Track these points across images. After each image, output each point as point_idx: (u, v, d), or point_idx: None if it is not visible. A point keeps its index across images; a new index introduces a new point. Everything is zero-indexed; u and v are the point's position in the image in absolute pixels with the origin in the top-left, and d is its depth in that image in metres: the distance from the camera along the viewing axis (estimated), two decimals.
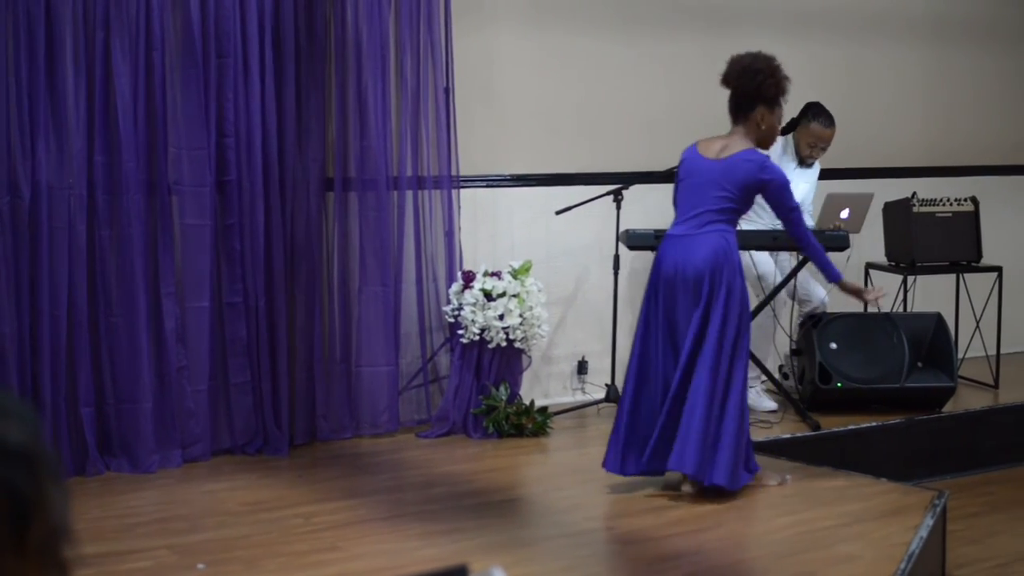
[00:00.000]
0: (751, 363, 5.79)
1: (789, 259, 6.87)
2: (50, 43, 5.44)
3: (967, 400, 7.11)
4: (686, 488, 5.21)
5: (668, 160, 6.11)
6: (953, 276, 7.55)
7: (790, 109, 6.83)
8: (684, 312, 5.11)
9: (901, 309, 7.33)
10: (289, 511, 5.09)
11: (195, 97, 5.73)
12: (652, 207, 6.75)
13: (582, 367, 7.06)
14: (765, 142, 5.33)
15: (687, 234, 5.15)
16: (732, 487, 5.11)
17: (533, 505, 5.41)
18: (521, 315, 6.25)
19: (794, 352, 7.01)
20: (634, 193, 6.73)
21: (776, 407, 6.74)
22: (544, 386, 6.93)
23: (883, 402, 6.77)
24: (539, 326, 6.34)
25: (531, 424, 6.29)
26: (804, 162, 6.91)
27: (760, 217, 6.54)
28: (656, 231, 6.12)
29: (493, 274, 6.35)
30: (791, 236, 5.39)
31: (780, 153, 6.80)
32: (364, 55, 6.14)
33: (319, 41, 6.06)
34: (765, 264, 6.85)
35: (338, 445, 6.13)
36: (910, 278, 7.39)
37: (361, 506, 5.17)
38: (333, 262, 6.22)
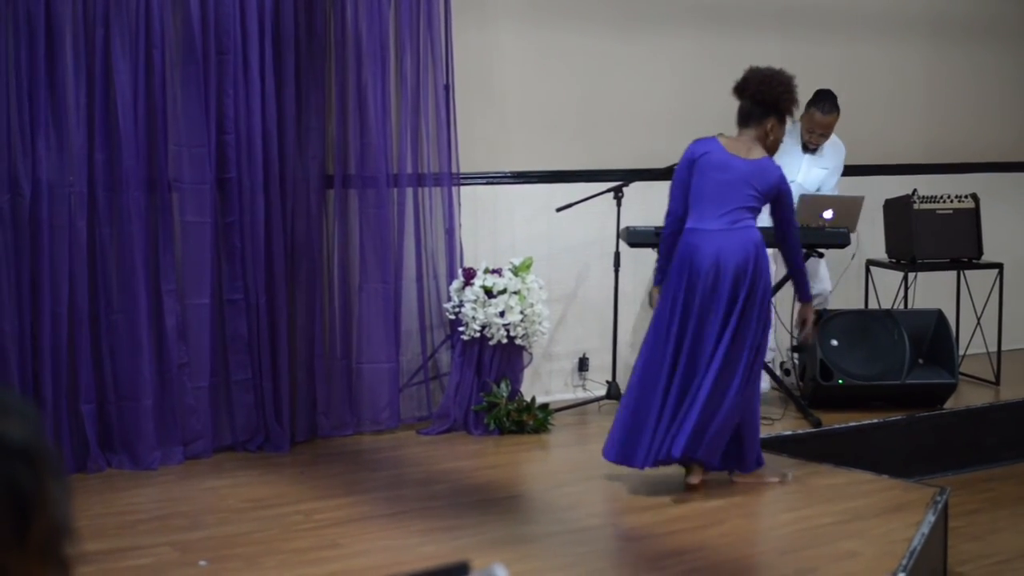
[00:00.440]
0: None
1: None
2: (50, 41, 5.44)
3: (968, 397, 7.10)
4: (692, 479, 5.23)
5: (669, 157, 6.10)
6: (954, 273, 7.55)
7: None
8: (719, 304, 5.15)
9: (902, 306, 7.33)
10: (290, 508, 5.09)
11: (195, 94, 5.73)
12: (653, 204, 6.73)
13: (583, 364, 7.06)
14: (770, 152, 5.40)
15: (723, 229, 5.20)
16: (715, 466, 5.27)
17: (534, 502, 5.41)
18: (522, 312, 6.24)
19: (795, 349, 7.01)
20: (635, 190, 6.73)
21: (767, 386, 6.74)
22: (545, 383, 6.92)
23: (884, 399, 6.78)
24: (540, 323, 6.34)
25: (532, 421, 6.29)
26: (806, 147, 6.97)
27: None
28: (656, 228, 6.11)
29: (494, 271, 6.35)
30: (787, 247, 5.52)
31: (787, 131, 6.89)
32: (364, 52, 6.13)
33: (319, 38, 6.06)
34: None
35: (339, 442, 6.13)
36: (911, 275, 7.39)
37: (362, 503, 5.17)
38: (333, 259, 6.22)
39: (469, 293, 6.26)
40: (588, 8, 7.05)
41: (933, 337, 6.90)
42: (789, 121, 5.51)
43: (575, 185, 6.86)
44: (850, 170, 7.38)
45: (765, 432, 6.20)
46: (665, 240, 5.39)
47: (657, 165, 6.76)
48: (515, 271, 6.36)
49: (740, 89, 5.35)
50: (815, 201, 6.88)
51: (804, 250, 6.47)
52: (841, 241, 6.72)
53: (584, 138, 7.06)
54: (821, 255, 6.94)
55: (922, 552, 4.57)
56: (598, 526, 5.03)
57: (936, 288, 7.68)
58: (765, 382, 6.78)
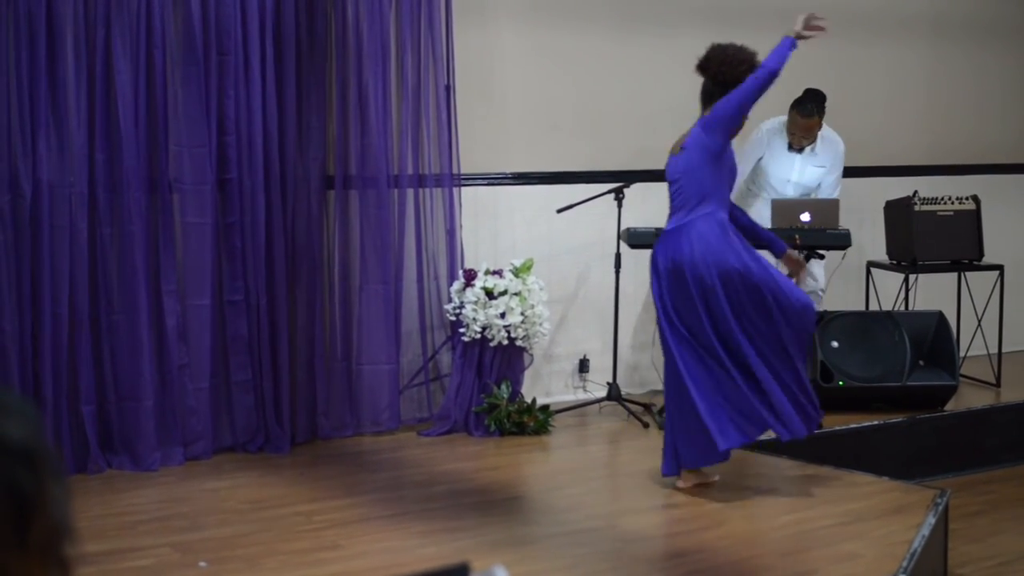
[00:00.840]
0: None
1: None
2: (51, 41, 5.44)
3: (969, 399, 7.10)
4: (682, 484, 5.25)
5: None
6: (955, 275, 7.55)
7: (788, 100, 6.88)
8: (716, 299, 5.15)
9: (903, 307, 7.33)
10: (290, 509, 5.09)
11: (196, 95, 5.73)
12: (654, 205, 6.73)
13: (583, 365, 7.05)
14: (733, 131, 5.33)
15: (674, 228, 5.24)
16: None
17: (534, 503, 5.41)
18: (522, 313, 6.24)
19: None
20: (635, 191, 6.72)
21: None
22: (545, 384, 6.92)
23: (885, 400, 6.77)
24: (540, 324, 6.34)
25: (532, 422, 6.29)
26: (791, 146, 6.99)
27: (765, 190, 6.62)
28: (657, 229, 6.10)
29: (494, 272, 6.35)
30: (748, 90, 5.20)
31: (778, 129, 6.92)
32: (365, 53, 6.13)
33: (320, 39, 6.06)
34: None
35: (339, 443, 6.13)
36: (911, 277, 7.39)
37: (362, 504, 5.17)
38: (334, 260, 6.22)
39: (470, 294, 6.26)
40: (588, 8, 7.05)
41: (934, 339, 6.90)
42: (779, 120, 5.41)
43: (576, 186, 6.86)
44: (850, 171, 7.38)
45: (765, 434, 6.19)
46: None
47: (658, 166, 6.71)
48: (516, 272, 6.35)
49: (703, 68, 5.28)
50: (789, 205, 6.85)
51: (805, 251, 6.49)
52: (843, 242, 6.72)
53: (585, 139, 7.06)
54: (822, 256, 6.93)
55: (922, 554, 4.57)
56: (598, 528, 5.03)
57: (937, 290, 7.68)
58: None
